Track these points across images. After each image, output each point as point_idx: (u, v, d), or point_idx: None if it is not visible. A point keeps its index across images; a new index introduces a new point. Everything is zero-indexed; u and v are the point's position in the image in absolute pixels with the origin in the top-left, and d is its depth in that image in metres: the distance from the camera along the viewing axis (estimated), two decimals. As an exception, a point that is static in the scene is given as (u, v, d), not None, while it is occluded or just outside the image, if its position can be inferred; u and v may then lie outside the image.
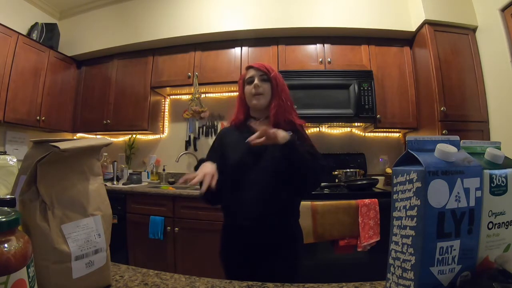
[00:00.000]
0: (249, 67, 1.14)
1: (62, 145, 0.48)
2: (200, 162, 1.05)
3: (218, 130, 2.82)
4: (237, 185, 1.02)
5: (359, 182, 2.23)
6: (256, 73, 1.10)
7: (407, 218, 0.44)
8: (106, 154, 2.87)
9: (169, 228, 2.11)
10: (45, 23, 2.75)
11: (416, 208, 0.42)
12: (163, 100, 2.98)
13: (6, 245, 0.31)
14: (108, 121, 2.77)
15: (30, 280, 0.34)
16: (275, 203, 0.99)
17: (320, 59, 2.44)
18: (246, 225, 1.00)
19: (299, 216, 1.10)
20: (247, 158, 1.02)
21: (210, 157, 1.11)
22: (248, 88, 1.11)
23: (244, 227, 1.01)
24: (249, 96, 1.10)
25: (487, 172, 0.44)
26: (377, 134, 2.67)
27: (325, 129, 2.69)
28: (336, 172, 2.42)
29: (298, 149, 0.93)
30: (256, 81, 1.08)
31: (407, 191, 0.44)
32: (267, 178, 0.99)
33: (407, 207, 0.44)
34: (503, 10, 1.91)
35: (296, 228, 1.08)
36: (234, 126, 1.16)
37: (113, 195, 1.98)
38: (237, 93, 1.20)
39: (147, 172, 2.88)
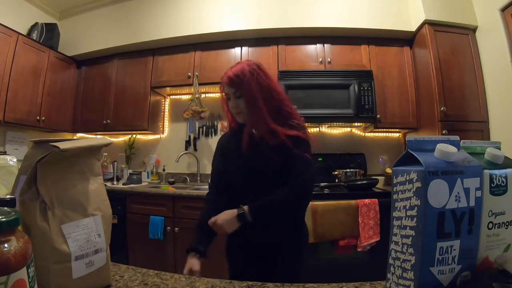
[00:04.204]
0: (222, 82, 1.05)
1: (62, 145, 0.48)
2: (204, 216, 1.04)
3: (218, 130, 2.83)
4: (237, 191, 1.03)
5: (359, 182, 2.22)
6: (229, 90, 1.02)
7: (407, 218, 0.44)
8: (106, 154, 2.87)
9: (169, 228, 2.11)
10: (45, 23, 2.75)
11: (416, 208, 0.42)
12: (163, 100, 2.98)
13: (6, 245, 0.31)
14: (108, 121, 2.77)
15: (30, 280, 0.34)
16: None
17: (320, 59, 2.44)
18: (247, 228, 0.99)
19: (304, 215, 1.09)
20: (244, 167, 1.02)
21: (217, 163, 1.13)
22: (229, 104, 1.05)
23: (245, 230, 0.99)
24: (233, 113, 1.06)
25: (487, 172, 0.44)
26: (377, 134, 2.67)
27: (325, 129, 2.69)
28: (336, 172, 2.42)
29: (258, 214, 0.93)
30: (231, 102, 1.03)
31: (407, 191, 0.44)
32: (264, 186, 0.98)
33: (407, 207, 0.44)
34: (503, 10, 1.91)
35: (300, 229, 1.06)
36: (231, 132, 1.15)
37: (113, 195, 1.97)
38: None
39: (147, 172, 2.88)
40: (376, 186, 2.29)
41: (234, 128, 1.12)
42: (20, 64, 2.39)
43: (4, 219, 0.32)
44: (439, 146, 0.43)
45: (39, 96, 2.58)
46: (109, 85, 2.82)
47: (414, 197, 0.42)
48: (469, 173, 0.42)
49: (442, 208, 0.40)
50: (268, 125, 0.97)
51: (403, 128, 2.48)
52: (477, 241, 0.43)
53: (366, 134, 2.69)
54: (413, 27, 2.33)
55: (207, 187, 1.19)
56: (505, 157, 0.47)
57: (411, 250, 0.42)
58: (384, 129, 2.53)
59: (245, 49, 2.56)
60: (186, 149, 2.86)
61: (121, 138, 3.04)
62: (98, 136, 2.87)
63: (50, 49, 2.70)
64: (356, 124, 2.55)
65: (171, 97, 3.02)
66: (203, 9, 2.57)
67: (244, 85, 0.98)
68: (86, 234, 0.51)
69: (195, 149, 2.85)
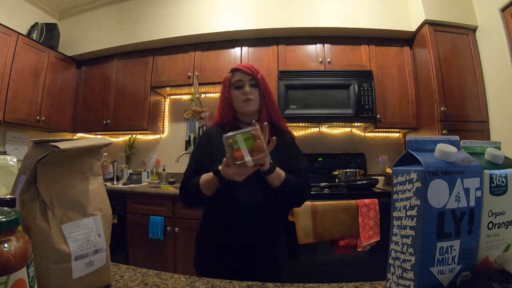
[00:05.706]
0: (235, 70, 1.08)
1: (62, 145, 0.48)
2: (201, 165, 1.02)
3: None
4: (227, 186, 0.95)
5: (359, 182, 2.22)
6: (244, 77, 1.05)
7: (407, 218, 0.44)
8: (106, 154, 2.87)
9: (169, 228, 2.11)
10: (45, 23, 2.75)
11: (416, 208, 0.42)
12: (163, 100, 2.98)
13: (6, 245, 0.31)
14: (108, 121, 2.77)
15: (30, 280, 0.34)
16: (263, 205, 0.98)
17: (320, 59, 2.44)
18: (233, 225, 0.98)
19: (287, 215, 1.11)
20: None
21: (199, 153, 1.07)
22: (237, 93, 1.06)
23: (230, 228, 0.98)
24: (239, 102, 1.05)
25: (487, 172, 0.44)
26: (377, 134, 2.67)
27: (325, 129, 2.69)
28: (336, 172, 2.42)
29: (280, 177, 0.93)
30: (246, 87, 1.04)
31: (407, 191, 0.44)
32: (257, 181, 0.93)
33: (407, 207, 0.44)
34: (503, 10, 1.91)
35: (281, 228, 1.07)
36: (221, 125, 1.09)
37: (113, 195, 1.97)
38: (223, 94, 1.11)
39: (147, 172, 2.88)
40: (376, 186, 2.29)
41: (228, 121, 1.08)
42: (20, 64, 2.39)
43: (4, 219, 0.32)
44: (439, 146, 0.43)
45: (39, 96, 2.58)
46: (109, 85, 2.82)
47: (414, 197, 0.42)
48: (469, 173, 0.42)
49: (442, 208, 0.40)
50: (279, 119, 1.09)
51: (403, 128, 2.48)
52: (477, 241, 0.43)
53: (366, 134, 2.69)
54: (413, 27, 2.33)
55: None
56: (505, 157, 0.47)
57: (411, 250, 0.42)
58: (384, 129, 2.53)
59: (245, 49, 2.56)
60: (186, 149, 2.86)
61: (121, 138, 3.03)
62: (98, 136, 2.87)
63: (50, 49, 2.69)
64: (356, 124, 2.55)
65: (171, 97, 3.02)
66: (203, 9, 2.57)
67: (260, 77, 1.07)
68: (86, 234, 0.51)
69: (195, 149, 2.85)
